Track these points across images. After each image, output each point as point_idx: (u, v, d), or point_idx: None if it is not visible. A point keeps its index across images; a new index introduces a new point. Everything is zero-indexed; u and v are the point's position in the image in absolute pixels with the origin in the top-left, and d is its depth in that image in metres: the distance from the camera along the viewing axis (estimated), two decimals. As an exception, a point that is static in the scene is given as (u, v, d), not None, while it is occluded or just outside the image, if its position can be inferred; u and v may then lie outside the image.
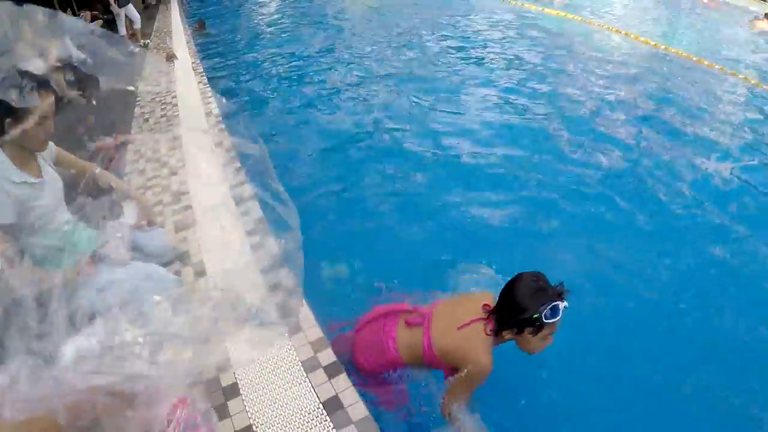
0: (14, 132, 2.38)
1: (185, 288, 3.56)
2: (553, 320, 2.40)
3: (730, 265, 5.03)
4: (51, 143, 2.78)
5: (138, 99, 7.83)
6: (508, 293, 2.54)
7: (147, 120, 6.83)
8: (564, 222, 5.48)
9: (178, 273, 3.76)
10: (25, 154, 2.53)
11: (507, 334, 2.56)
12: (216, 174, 4.86)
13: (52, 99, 2.46)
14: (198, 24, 13.97)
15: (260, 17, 13.57)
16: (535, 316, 2.39)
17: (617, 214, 5.72)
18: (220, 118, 6.22)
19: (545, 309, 2.38)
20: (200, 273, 3.77)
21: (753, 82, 11.47)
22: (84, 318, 2.16)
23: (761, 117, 9.37)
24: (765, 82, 11.54)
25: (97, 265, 3.07)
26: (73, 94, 7.21)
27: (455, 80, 9.48)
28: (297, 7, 14.36)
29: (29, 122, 2.48)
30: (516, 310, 2.47)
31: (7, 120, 2.33)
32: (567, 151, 7.02)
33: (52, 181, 2.69)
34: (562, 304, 2.40)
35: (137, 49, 9.83)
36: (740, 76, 11.81)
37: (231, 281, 3.61)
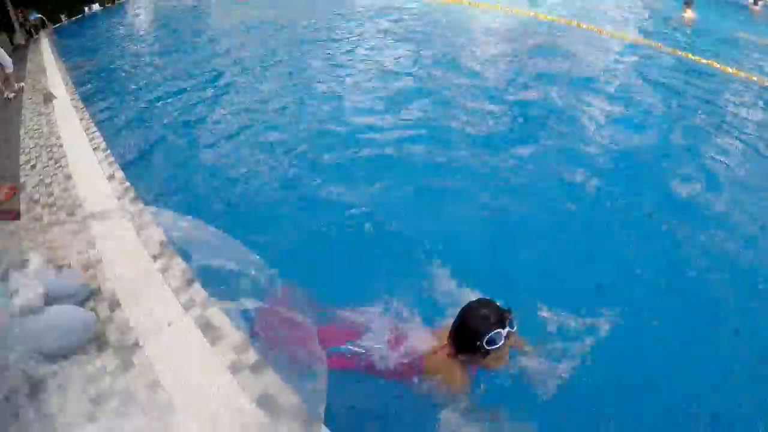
0: None
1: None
2: (494, 347, 2.61)
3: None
4: None
5: (22, 147, 7.65)
6: (459, 322, 2.76)
7: (34, 166, 6.71)
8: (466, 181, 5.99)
9: (93, 309, 3.85)
10: None
11: (462, 357, 2.79)
12: (114, 206, 4.96)
13: None
14: (80, 62, 13.58)
15: (135, 44, 13.33)
16: (478, 344, 2.62)
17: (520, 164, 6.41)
18: (109, 152, 6.23)
19: (485, 338, 2.59)
20: (114, 305, 3.89)
21: (631, 38, 12.48)
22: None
23: (640, 67, 10.32)
24: (643, 36, 12.56)
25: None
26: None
27: (347, 78, 9.77)
28: (171, 33, 14.16)
29: None
30: (464, 338, 2.71)
31: None
32: (464, 120, 7.63)
33: None
34: (503, 332, 2.60)
35: (11, 95, 9.60)
36: (619, 35, 12.78)
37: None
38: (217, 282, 4.06)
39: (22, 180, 6.46)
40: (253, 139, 7.22)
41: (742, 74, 10.99)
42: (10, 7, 24.60)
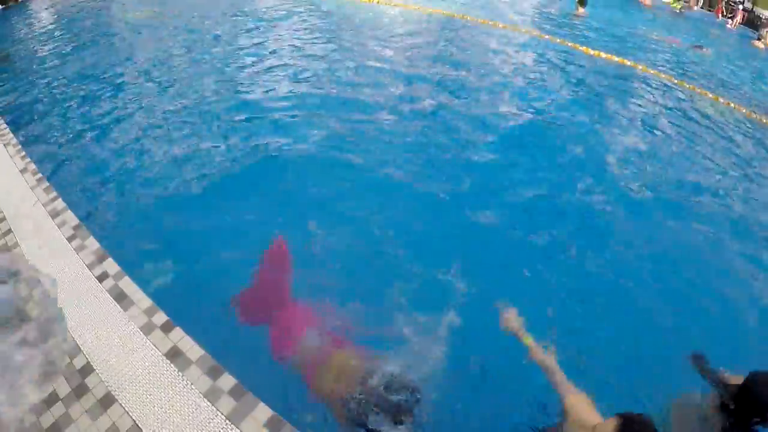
0: None
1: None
2: None
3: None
4: None
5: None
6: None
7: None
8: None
9: (14, 288, 4.23)
10: None
11: None
12: (28, 196, 5.30)
13: None
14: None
15: (40, 43, 13.04)
16: None
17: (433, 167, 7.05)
18: (20, 147, 6.46)
19: None
20: (34, 283, 4.27)
21: (535, 33, 13.41)
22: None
23: (542, 60, 11.27)
24: (541, 30, 13.51)
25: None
26: None
27: (253, 75, 10.09)
28: (77, 31, 13.80)
29: None
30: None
31: None
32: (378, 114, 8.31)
33: None
34: None
35: None
36: (523, 30, 13.71)
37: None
38: (129, 256, 4.58)
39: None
40: (159, 135, 7.51)
41: (628, 62, 12.16)
42: None
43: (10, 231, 4.93)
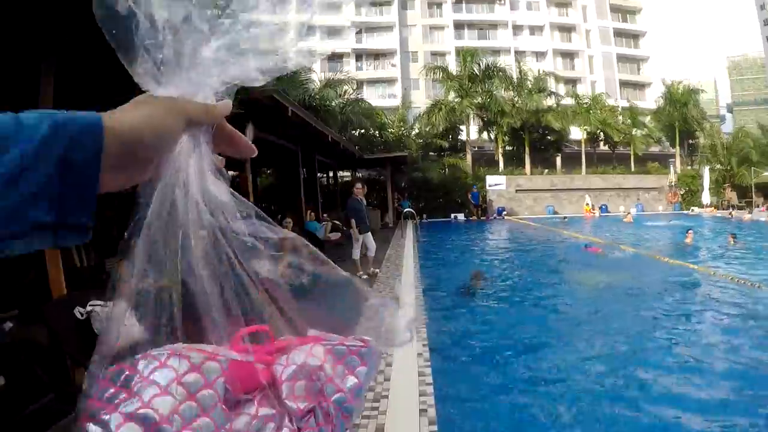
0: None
1: None
2: None
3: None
4: None
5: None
6: None
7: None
8: None
9: None
10: None
11: None
12: None
13: None
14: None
15: (497, 273, 12.67)
16: None
17: None
18: (435, 429, 5.15)
19: None
20: None
21: None
22: None
23: None
24: None
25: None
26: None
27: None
28: (527, 262, 13.41)
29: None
30: None
31: None
32: None
33: None
34: None
35: (364, 276, 9.63)
36: None
37: None
38: None
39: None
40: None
41: None
42: (388, 188, 28.53)
43: None
